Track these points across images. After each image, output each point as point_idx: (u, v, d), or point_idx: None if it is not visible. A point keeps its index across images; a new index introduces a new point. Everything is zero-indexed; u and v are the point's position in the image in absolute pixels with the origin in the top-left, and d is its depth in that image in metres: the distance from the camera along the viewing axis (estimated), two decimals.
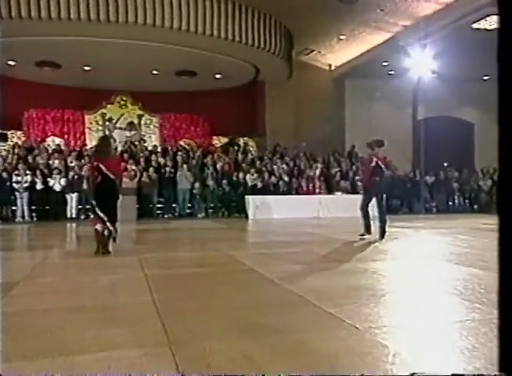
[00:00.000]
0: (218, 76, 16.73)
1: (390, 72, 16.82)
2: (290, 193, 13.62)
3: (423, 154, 15.37)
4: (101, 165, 5.49)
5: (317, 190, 14.00)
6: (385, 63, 16.44)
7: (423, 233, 8.95)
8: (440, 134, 17.41)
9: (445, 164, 16.70)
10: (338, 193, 13.96)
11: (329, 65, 19.00)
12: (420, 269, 4.79)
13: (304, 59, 18.18)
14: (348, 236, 7.66)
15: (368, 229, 7.34)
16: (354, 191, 14.32)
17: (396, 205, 14.51)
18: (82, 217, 12.47)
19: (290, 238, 7.90)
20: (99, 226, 5.56)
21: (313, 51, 17.61)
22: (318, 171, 14.61)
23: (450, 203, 15.46)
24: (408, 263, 5.13)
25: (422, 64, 14.06)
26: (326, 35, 15.95)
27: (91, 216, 5.48)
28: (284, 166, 15.08)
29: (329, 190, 14.17)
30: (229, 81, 17.15)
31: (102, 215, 5.45)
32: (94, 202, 5.50)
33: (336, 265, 4.91)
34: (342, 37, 15.96)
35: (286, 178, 14.26)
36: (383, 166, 7.03)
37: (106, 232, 5.56)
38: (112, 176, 5.57)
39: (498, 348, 1.06)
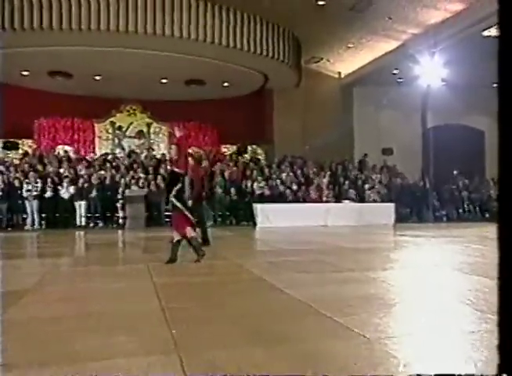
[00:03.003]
0: (226, 84, 16.84)
1: (399, 80, 16.83)
2: (298, 202, 13.59)
3: (432, 162, 15.29)
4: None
5: (325, 199, 13.96)
6: (394, 71, 16.45)
7: (434, 241, 8.87)
8: (450, 142, 17.32)
9: (455, 172, 16.58)
10: (346, 202, 13.91)
11: (338, 73, 19.04)
12: (431, 278, 4.74)
13: (313, 67, 18.26)
14: (357, 245, 7.62)
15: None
16: (362, 200, 14.28)
17: (405, 214, 14.42)
18: (91, 225, 12.56)
19: (298, 246, 7.87)
20: (192, 232, 5.55)
21: (322, 59, 17.68)
22: (326, 180, 14.58)
23: (460, 211, 15.33)
24: (418, 272, 5.08)
25: (431, 72, 14.04)
26: (334, 43, 16.02)
27: (173, 220, 5.48)
28: (292, 174, 15.08)
29: (338, 199, 14.12)
30: (238, 89, 17.25)
31: (192, 218, 5.55)
32: (182, 205, 5.48)
33: (345, 273, 4.88)
34: (350, 45, 16.02)
35: (294, 187, 14.24)
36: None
37: (195, 234, 5.59)
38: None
39: (498, 349, 1.05)
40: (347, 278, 4.61)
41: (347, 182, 14.82)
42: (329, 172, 15.27)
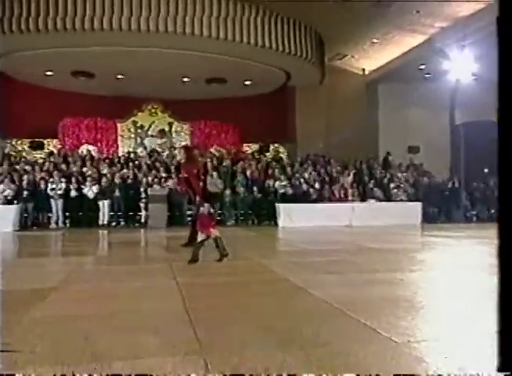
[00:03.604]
0: (248, 83, 16.86)
1: (426, 75, 16.51)
2: (322, 201, 13.50)
3: (462, 160, 14.95)
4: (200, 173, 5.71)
5: (349, 198, 13.83)
6: (421, 66, 16.14)
7: (463, 242, 8.67)
8: (480, 139, 16.85)
9: (486, 171, 16.18)
10: (372, 201, 13.74)
11: (363, 70, 18.82)
12: (460, 280, 4.63)
13: (337, 64, 18.10)
14: (383, 245, 7.52)
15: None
16: (388, 199, 14.08)
17: (433, 213, 14.14)
18: (114, 224, 12.77)
19: (323, 247, 7.82)
20: (216, 232, 5.63)
21: (346, 55, 17.50)
22: (350, 179, 14.44)
23: (492, 211, 14.93)
24: (447, 274, 4.97)
25: (461, 66, 13.71)
26: (358, 39, 15.84)
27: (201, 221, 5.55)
28: (315, 173, 14.99)
29: (362, 198, 13.96)
30: (259, 87, 17.25)
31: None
32: (207, 204, 5.55)
33: (371, 274, 4.81)
34: (375, 40, 15.80)
35: (317, 186, 14.16)
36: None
37: (219, 234, 5.66)
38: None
39: (498, 349, 1.08)
40: (374, 279, 4.54)
41: (372, 181, 14.64)
42: (353, 171, 15.12)
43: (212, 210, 5.67)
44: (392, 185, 14.68)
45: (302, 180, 14.35)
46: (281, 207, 12.69)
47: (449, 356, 2.39)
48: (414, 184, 15.10)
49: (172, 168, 14.30)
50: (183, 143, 17.92)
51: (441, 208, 14.40)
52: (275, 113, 18.31)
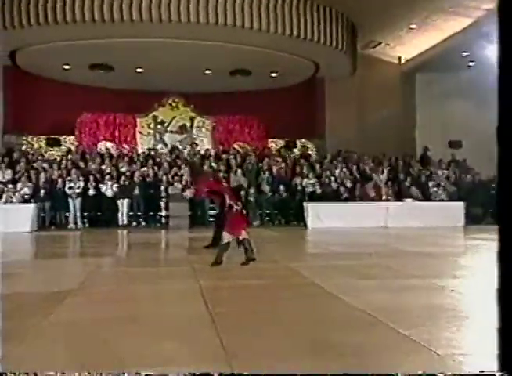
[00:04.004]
0: (273, 74, 16.81)
1: (470, 63, 16.07)
2: (354, 200, 13.35)
3: None
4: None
5: (384, 197, 13.63)
6: (464, 54, 15.71)
7: None
8: None
9: None
10: (408, 201, 13.51)
11: (399, 58, 18.50)
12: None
13: (370, 52, 17.84)
14: (422, 249, 7.38)
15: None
16: (426, 198, 13.79)
17: (477, 214, 13.77)
18: (133, 224, 12.96)
19: (355, 249, 7.74)
20: (246, 234, 5.71)
21: (380, 43, 17.23)
22: (385, 176, 14.22)
23: None
24: (492, 281, 4.83)
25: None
26: (394, 25, 15.55)
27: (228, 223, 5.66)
28: (346, 170, 14.84)
29: (398, 197, 13.74)
30: (286, 79, 17.18)
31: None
32: (240, 207, 5.66)
33: (409, 280, 4.73)
34: (413, 26, 15.48)
35: (348, 184, 14.01)
36: None
37: (247, 236, 5.73)
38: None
39: (498, 349, 1.18)
40: (412, 285, 4.46)
41: (408, 179, 14.38)
42: (388, 168, 14.90)
43: (244, 211, 5.74)
44: (431, 183, 14.38)
45: (332, 178, 14.22)
46: (309, 207, 12.61)
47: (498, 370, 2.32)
48: (456, 182, 14.75)
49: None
50: (205, 141, 18.07)
51: (487, 209, 13.98)
52: (303, 106, 18.20)
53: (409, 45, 17.10)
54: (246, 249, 5.65)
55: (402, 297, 3.96)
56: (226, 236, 5.66)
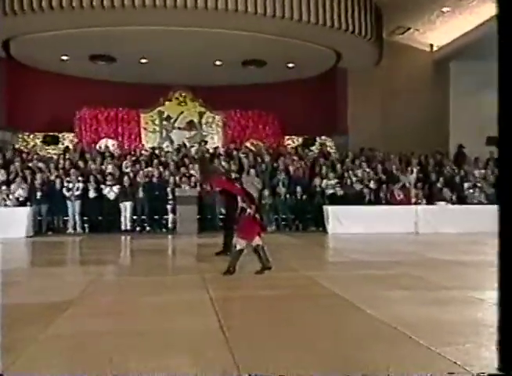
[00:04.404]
0: (290, 65, 16.82)
1: None
2: (379, 203, 13.29)
3: None
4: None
5: (413, 200, 13.53)
6: None
7: None
8: None
9: None
10: (441, 204, 13.39)
11: (430, 45, 18.36)
12: None
13: (398, 39, 17.74)
14: (457, 257, 7.32)
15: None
16: (461, 201, 13.65)
17: None
18: (137, 229, 13.05)
19: (380, 258, 7.71)
20: (259, 240, 5.72)
21: (408, 29, 17.13)
22: (414, 177, 14.12)
23: None
24: None
25: None
26: (425, 9, 15.44)
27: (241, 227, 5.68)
28: (370, 170, 14.78)
29: (429, 200, 13.64)
30: (304, 70, 17.17)
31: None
32: (253, 210, 5.69)
33: (442, 292, 4.70)
34: (446, 9, 15.35)
35: (373, 185, 13.95)
36: None
37: (261, 242, 5.75)
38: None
39: (498, 349, 1.25)
40: (446, 298, 4.43)
41: (441, 180, 14.24)
42: (417, 167, 14.79)
43: (258, 215, 5.74)
44: (467, 184, 14.23)
45: (355, 179, 14.16)
46: (330, 211, 12.58)
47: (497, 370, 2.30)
48: (494, 183, 14.60)
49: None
50: (215, 138, 18.12)
51: None
52: (323, 100, 18.17)
53: (441, 31, 16.95)
54: (260, 257, 5.67)
55: (433, 310, 3.94)
56: (239, 243, 5.68)
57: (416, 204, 13.36)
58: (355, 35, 14.96)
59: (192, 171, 13.98)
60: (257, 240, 5.66)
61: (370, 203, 13.31)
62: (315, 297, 4.53)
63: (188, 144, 17.33)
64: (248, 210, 5.66)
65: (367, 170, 14.73)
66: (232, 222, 6.42)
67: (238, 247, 5.68)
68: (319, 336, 3.18)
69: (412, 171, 14.40)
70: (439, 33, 17.10)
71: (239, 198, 5.80)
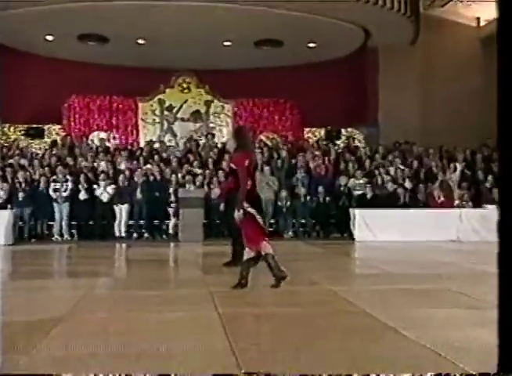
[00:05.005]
0: (311, 45, 16.79)
1: None
2: (415, 206, 13.22)
3: None
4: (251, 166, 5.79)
5: (457, 202, 13.43)
6: None
7: None
8: None
9: None
10: (489, 207, 13.26)
11: (477, 19, 18.22)
12: None
13: (438, 13, 17.62)
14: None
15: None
16: None
17: None
18: (134, 236, 13.12)
19: (417, 270, 7.68)
20: (268, 247, 5.68)
21: (450, 0, 17.01)
22: (457, 175, 14.01)
23: None
24: None
25: None
26: None
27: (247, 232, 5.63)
28: (405, 167, 14.71)
29: (476, 202, 13.52)
30: (328, 50, 17.14)
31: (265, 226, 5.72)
32: (255, 211, 5.65)
33: (491, 312, 4.63)
34: None
35: (408, 185, 13.88)
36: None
37: (271, 250, 5.69)
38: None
39: (498, 348, 1.40)
40: (495, 319, 4.38)
41: (490, 179, 14.11)
42: (462, 164, 14.67)
43: (259, 217, 5.66)
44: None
45: (387, 177, 14.11)
46: (357, 215, 12.54)
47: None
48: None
49: (210, 161, 14.45)
50: (224, 131, 18.12)
51: None
52: (350, 85, 18.12)
53: (490, 2, 16.79)
54: (271, 267, 5.62)
55: (485, 334, 3.88)
56: (247, 251, 5.66)
57: (459, 207, 13.26)
58: (387, 9, 14.89)
59: (197, 170, 14.02)
60: (263, 248, 5.60)
61: (405, 205, 13.25)
62: (341, 315, 4.52)
63: (194, 137, 17.35)
64: (247, 209, 5.59)
65: (401, 167, 14.66)
66: (235, 225, 6.40)
67: (245, 257, 5.67)
68: (347, 364, 3.16)
69: (455, 169, 14.30)
70: (487, 4, 16.91)
71: (241, 188, 5.67)
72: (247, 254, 5.65)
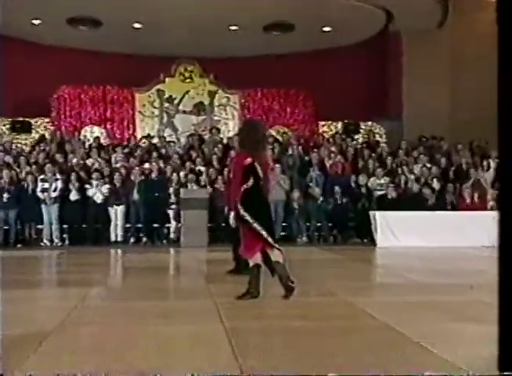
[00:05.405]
0: (326, 29, 16.78)
1: None
2: (444, 208, 13.17)
3: None
4: (256, 163, 5.72)
5: (490, 204, 13.37)
6: None
7: None
8: None
9: None
10: None
11: None
12: None
13: None
14: None
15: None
16: None
17: None
18: (131, 240, 13.14)
19: (446, 279, 7.64)
20: (278, 255, 5.68)
21: None
22: (491, 174, 13.94)
23: None
24: None
25: None
26: None
27: (249, 238, 5.64)
28: (431, 165, 14.66)
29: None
30: (344, 35, 17.13)
31: (266, 234, 5.65)
32: (249, 216, 5.65)
33: None
34: None
35: (435, 185, 13.84)
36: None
37: (281, 258, 5.69)
38: (263, 179, 5.80)
39: (498, 348, 1.63)
40: None
41: None
42: (496, 161, 14.60)
43: (257, 224, 5.63)
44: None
45: (411, 176, 14.08)
46: (378, 218, 12.52)
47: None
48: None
49: (215, 158, 14.45)
50: (230, 124, 18.12)
51: None
52: (369, 74, 18.09)
53: None
54: (280, 277, 5.60)
55: None
56: (256, 258, 5.65)
57: (493, 209, 13.19)
58: None
59: (200, 167, 14.03)
60: (256, 259, 5.60)
61: (432, 208, 13.19)
62: (361, 330, 4.49)
63: (197, 132, 17.36)
64: (241, 212, 5.58)
65: (428, 165, 14.63)
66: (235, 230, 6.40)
67: (251, 263, 5.66)
68: None
69: (488, 167, 14.22)
70: None
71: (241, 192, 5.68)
72: (252, 260, 5.65)
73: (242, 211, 5.61)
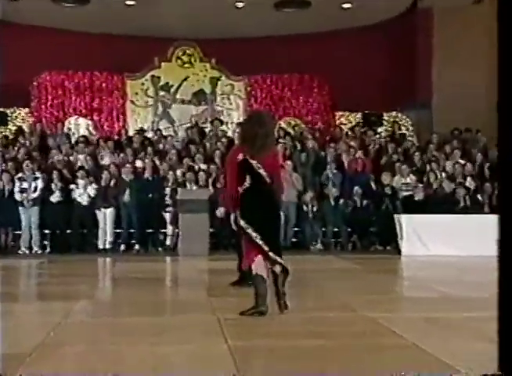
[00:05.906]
0: (346, 5, 16.76)
1: None
2: (479, 211, 13.14)
3: None
4: (252, 160, 5.71)
5: None
6: None
7: None
8: None
9: None
10: None
11: None
12: None
13: None
14: None
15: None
16: None
17: None
18: (121, 248, 13.16)
19: (482, 292, 7.55)
20: (260, 265, 5.69)
21: None
22: None
23: None
24: None
25: None
26: None
27: (246, 246, 5.66)
28: (467, 162, 14.63)
29: None
30: (367, 13, 17.10)
31: (262, 242, 5.67)
32: (243, 222, 5.68)
33: None
34: None
35: (470, 185, 13.81)
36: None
37: (277, 268, 5.71)
38: (268, 179, 5.77)
39: (498, 348, 1.68)
40: None
41: None
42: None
43: (252, 231, 5.65)
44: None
45: (442, 175, 14.05)
46: (404, 222, 12.50)
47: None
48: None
49: (217, 154, 14.46)
50: (235, 115, 18.11)
51: None
52: (394, 57, 18.07)
53: None
54: (255, 293, 5.63)
55: None
56: (254, 267, 5.66)
57: None
58: None
59: (200, 165, 14.03)
60: (256, 268, 5.61)
61: (465, 210, 13.16)
62: (383, 350, 4.49)
63: (199, 123, 17.34)
64: (238, 218, 5.64)
65: (461, 161, 14.58)
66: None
67: (253, 271, 5.67)
68: None
69: None
70: None
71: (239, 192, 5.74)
72: (255, 269, 5.64)
73: (238, 218, 5.66)
